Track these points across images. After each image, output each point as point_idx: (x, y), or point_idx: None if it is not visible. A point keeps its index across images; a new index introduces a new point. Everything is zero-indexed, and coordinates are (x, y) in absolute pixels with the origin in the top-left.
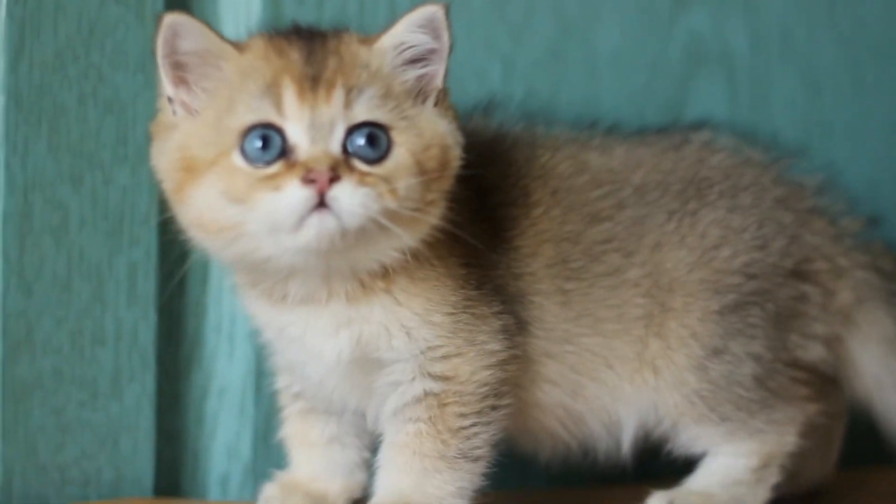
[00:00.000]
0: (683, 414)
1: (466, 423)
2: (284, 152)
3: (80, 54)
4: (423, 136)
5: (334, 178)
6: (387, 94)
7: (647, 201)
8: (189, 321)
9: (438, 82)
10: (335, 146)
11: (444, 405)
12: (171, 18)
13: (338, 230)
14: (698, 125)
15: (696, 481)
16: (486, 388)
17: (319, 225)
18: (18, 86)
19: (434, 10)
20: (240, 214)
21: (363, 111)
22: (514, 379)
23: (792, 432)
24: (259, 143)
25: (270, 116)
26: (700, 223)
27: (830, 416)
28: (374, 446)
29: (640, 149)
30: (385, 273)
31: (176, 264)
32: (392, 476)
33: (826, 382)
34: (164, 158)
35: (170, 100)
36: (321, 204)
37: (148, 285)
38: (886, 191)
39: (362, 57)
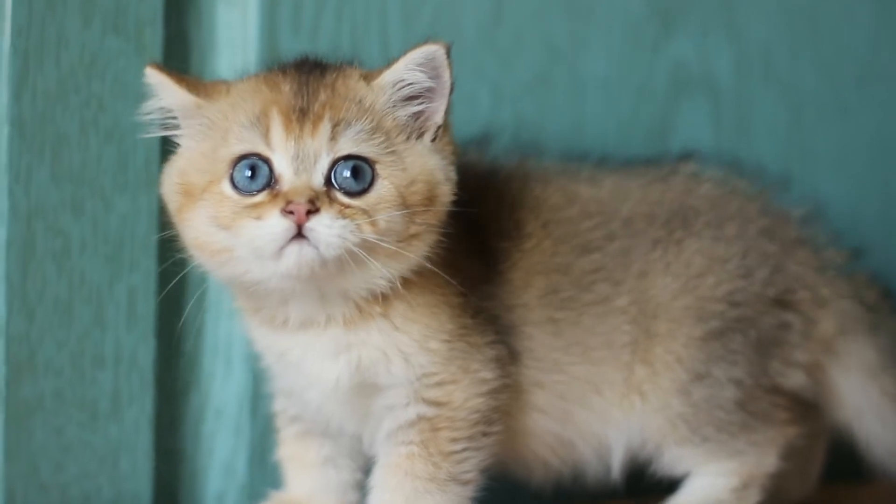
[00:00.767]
0: (666, 436)
1: (457, 447)
2: (271, 182)
3: (81, 84)
4: (410, 170)
5: (313, 210)
6: (376, 129)
7: (635, 231)
8: (187, 344)
9: (438, 119)
10: (318, 178)
11: (437, 430)
12: (147, 74)
13: (317, 259)
14: (686, 156)
15: (678, 500)
16: (477, 415)
17: (298, 254)
18: (22, 115)
19: (434, 50)
20: (227, 240)
21: (348, 145)
22: (504, 407)
23: (772, 454)
24: (248, 173)
25: (259, 147)
26: (685, 252)
27: (811, 437)
28: (367, 467)
29: (629, 180)
30: (383, 298)
31: (175, 289)
32: (384, 496)
33: (807, 406)
34: (168, 181)
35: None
36: (300, 234)
37: (147, 309)
38: (869, 215)
39: (357, 91)
